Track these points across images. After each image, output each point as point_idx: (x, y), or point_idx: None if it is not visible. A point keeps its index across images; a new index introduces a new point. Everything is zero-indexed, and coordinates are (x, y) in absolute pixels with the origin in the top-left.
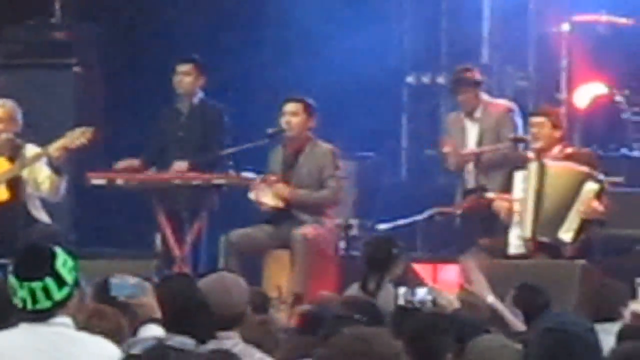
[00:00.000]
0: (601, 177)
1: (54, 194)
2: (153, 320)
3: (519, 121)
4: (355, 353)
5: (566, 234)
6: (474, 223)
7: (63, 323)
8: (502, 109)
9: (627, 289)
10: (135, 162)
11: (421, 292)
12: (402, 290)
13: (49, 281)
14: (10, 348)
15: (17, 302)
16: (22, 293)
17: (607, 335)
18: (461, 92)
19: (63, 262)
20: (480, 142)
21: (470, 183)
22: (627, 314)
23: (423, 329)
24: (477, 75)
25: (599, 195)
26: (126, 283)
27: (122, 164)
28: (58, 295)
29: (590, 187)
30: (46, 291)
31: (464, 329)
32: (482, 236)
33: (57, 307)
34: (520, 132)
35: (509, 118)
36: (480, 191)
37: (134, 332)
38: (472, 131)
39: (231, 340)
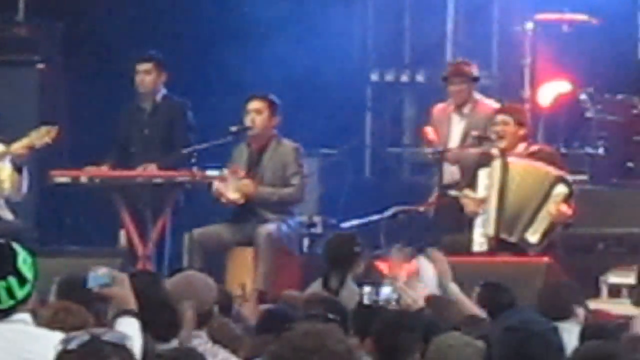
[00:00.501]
0: (570, 180)
1: (15, 192)
2: (128, 312)
3: None
4: (307, 349)
5: (533, 236)
6: (440, 221)
7: (22, 320)
8: (491, 110)
9: (580, 288)
10: (104, 167)
11: (386, 291)
12: (366, 289)
13: (12, 280)
14: None
15: None
16: None
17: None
18: (456, 83)
19: (23, 260)
20: (464, 139)
21: (447, 179)
22: (580, 312)
23: (390, 328)
24: (475, 71)
25: (567, 199)
26: (100, 274)
27: (90, 169)
28: (20, 293)
29: (561, 190)
30: (9, 290)
31: (430, 328)
32: (447, 234)
33: (19, 306)
34: None
35: None
36: (446, 189)
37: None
38: (459, 126)
39: (197, 339)
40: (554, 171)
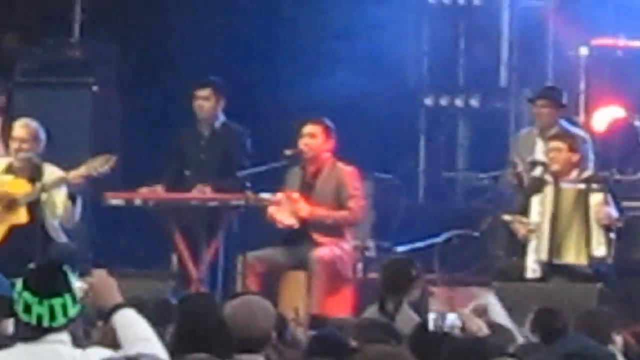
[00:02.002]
0: (598, 186)
1: (66, 219)
2: (119, 306)
3: (591, 155)
4: None
5: (598, 249)
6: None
7: (60, 340)
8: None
9: (618, 314)
10: (158, 188)
11: (451, 318)
12: (432, 315)
13: (67, 298)
14: None
15: (30, 319)
16: (40, 310)
17: None
18: (538, 106)
19: (73, 279)
20: None
21: None
22: (618, 340)
23: (462, 355)
24: (563, 98)
25: (606, 201)
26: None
27: (144, 190)
28: (72, 311)
29: (596, 197)
30: (64, 308)
31: (494, 354)
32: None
33: (69, 324)
34: (590, 166)
35: (582, 150)
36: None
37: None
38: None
39: None
40: (580, 185)
